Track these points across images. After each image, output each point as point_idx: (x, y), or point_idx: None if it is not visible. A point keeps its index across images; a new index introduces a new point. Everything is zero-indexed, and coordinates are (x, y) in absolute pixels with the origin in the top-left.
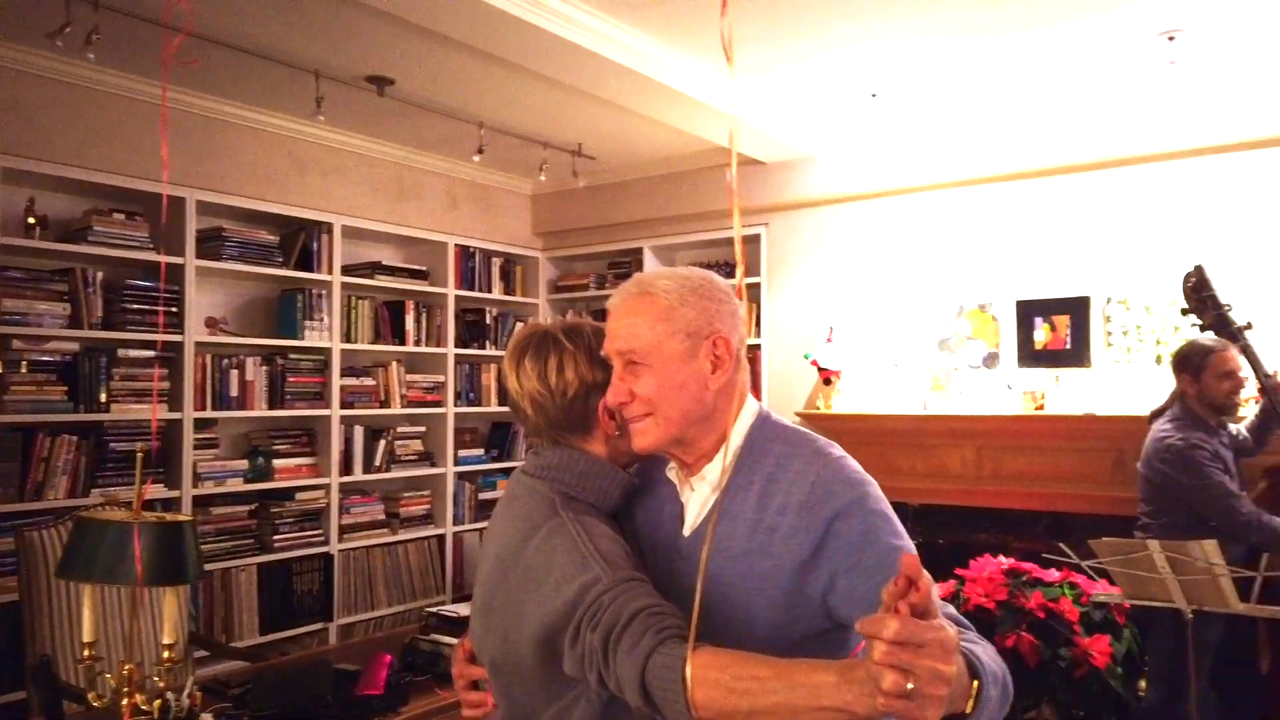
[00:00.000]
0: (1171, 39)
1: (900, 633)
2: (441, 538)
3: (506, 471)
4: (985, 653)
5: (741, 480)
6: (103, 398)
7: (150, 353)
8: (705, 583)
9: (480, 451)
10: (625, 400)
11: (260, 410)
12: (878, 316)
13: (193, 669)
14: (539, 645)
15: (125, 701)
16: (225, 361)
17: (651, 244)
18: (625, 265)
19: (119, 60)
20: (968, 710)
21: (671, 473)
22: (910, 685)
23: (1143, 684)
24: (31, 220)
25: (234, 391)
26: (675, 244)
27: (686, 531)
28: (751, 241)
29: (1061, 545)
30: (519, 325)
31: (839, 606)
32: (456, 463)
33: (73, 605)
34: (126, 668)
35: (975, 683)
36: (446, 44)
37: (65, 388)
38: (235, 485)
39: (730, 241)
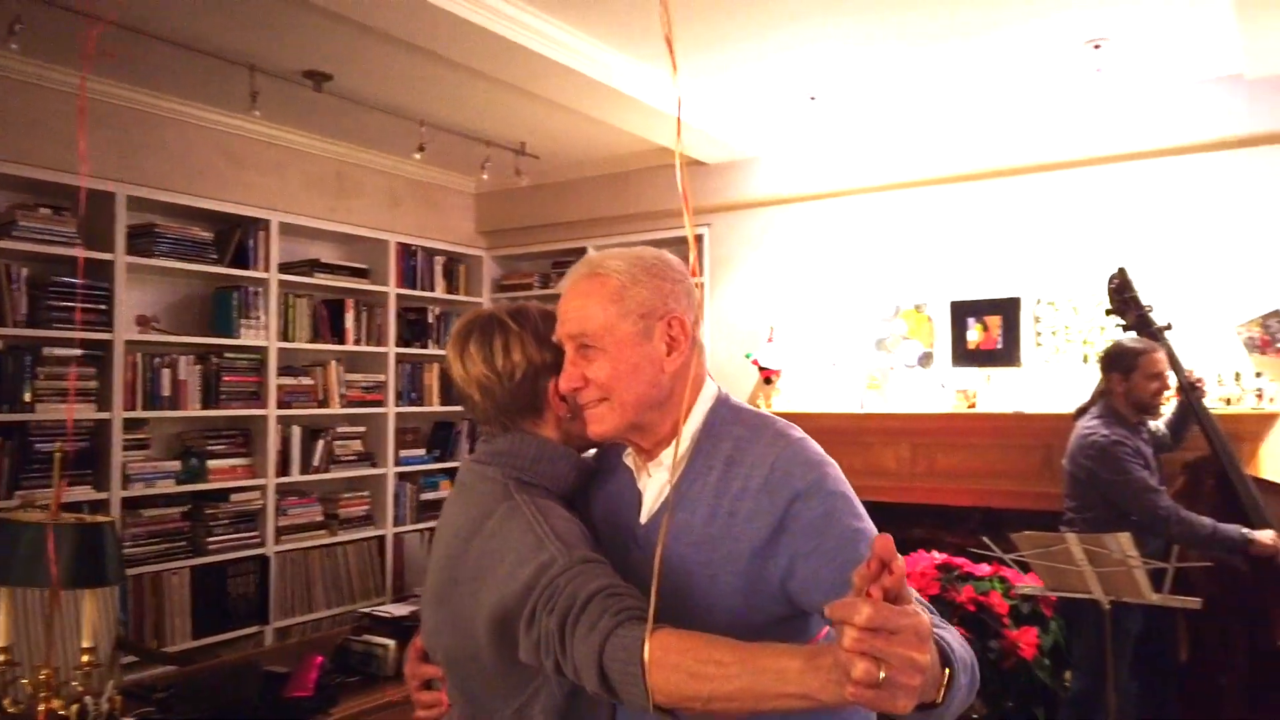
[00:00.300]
0: (1097, 47)
1: (873, 618)
2: (382, 539)
3: (449, 472)
4: (953, 638)
5: (700, 465)
6: (27, 397)
7: (77, 351)
8: (664, 570)
9: (422, 452)
10: (579, 385)
11: (194, 410)
12: (817, 316)
13: (119, 675)
14: (495, 632)
15: (41, 707)
16: (157, 360)
17: (595, 243)
18: (569, 264)
19: (45, 51)
20: (939, 700)
21: (628, 459)
22: (882, 674)
23: (1069, 675)
24: None
25: (166, 391)
26: (619, 243)
27: (644, 518)
28: (694, 242)
29: (986, 540)
30: None
31: (799, 593)
32: (398, 463)
33: None
34: (43, 673)
35: (947, 671)
36: (386, 40)
37: None
38: (167, 487)
39: (675, 241)
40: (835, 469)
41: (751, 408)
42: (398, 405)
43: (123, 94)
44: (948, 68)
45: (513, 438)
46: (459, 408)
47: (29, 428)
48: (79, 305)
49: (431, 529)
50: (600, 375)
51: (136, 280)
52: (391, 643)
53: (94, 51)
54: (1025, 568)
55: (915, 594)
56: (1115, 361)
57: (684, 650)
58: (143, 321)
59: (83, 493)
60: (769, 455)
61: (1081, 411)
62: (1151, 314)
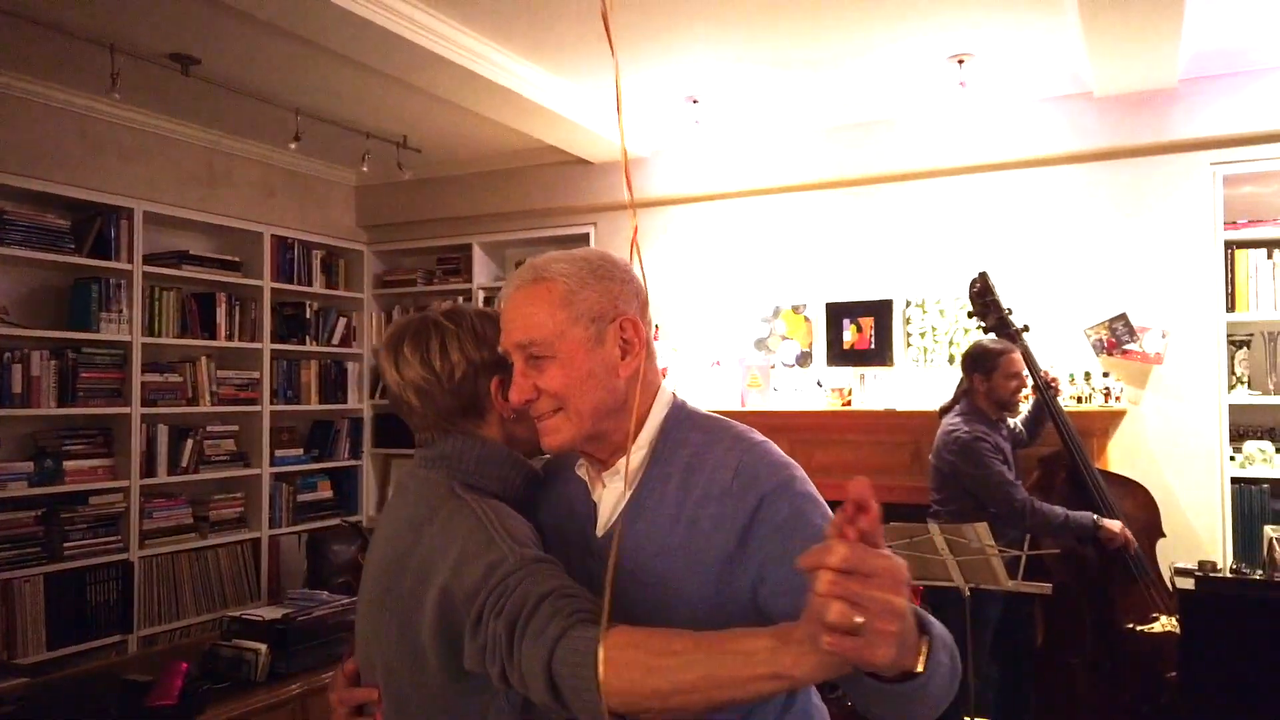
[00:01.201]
0: (961, 62)
1: (848, 558)
2: (256, 541)
3: (328, 472)
4: (930, 617)
5: (657, 473)
6: None
7: None
8: (626, 583)
9: (299, 451)
10: (530, 397)
11: (48, 409)
12: (701, 316)
13: None
14: (439, 635)
15: None
16: (7, 355)
17: (480, 240)
18: (454, 261)
19: None
20: (919, 668)
21: (581, 469)
22: (859, 619)
23: None
24: None
25: (17, 388)
26: (505, 240)
27: (600, 530)
28: (579, 241)
29: None
30: (342, 320)
31: (770, 601)
32: (273, 463)
33: None
34: None
35: (926, 640)
36: (257, 24)
37: None
38: (19, 489)
39: (560, 240)
40: (800, 471)
41: (708, 413)
42: (273, 403)
43: None
44: (821, 78)
45: (455, 440)
46: (339, 405)
47: None
48: None
49: (309, 530)
50: (553, 385)
51: None
52: (263, 647)
53: None
54: None
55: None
56: (976, 362)
57: (638, 644)
58: None
59: None
60: (731, 459)
61: (946, 409)
62: (1010, 316)
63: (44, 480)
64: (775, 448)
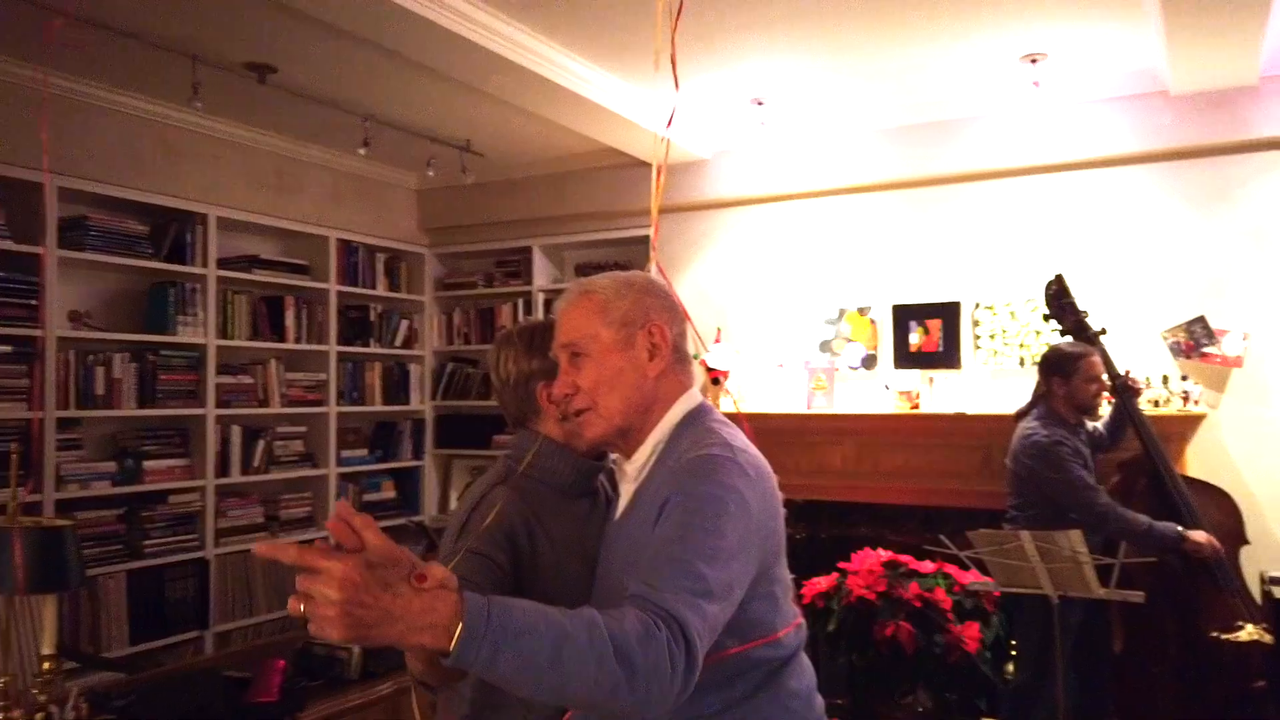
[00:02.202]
0: (1035, 62)
1: (297, 558)
2: (325, 540)
3: (392, 472)
4: (572, 621)
5: (658, 471)
6: None
7: (7, 348)
8: (617, 569)
9: (364, 452)
10: (569, 392)
11: (129, 410)
12: (764, 318)
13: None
14: None
15: (1, 716)
16: (90, 358)
17: (540, 242)
18: (514, 263)
19: None
20: (449, 648)
21: (615, 463)
22: (302, 607)
23: (1010, 667)
24: None
25: (100, 390)
26: (564, 243)
27: (616, 518)
28: (640, 243)
29: (942, 537)
30: (404, 323)
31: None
32: (339, 463)
33: None
34: (2, 680)
35: (461, 625)
36: (332, 33)
37: None
38: (102, 489)
39: (619, 241)
40: (708, 487)
41: (721, 422)
42: (339, 405)
43: (54, 81)
44: (889, 78)
45: (520, 434)
46: (402, 406)
47: None
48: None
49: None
50: (587, 381)
51: (69, 275)
52: (355, 647)
53: (54, 43)
54: (965, 565)
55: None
56: (1055, 365)
57: None
58: (75, 317)
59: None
60: (688, 455)
61: (1022, 413)
62: (1087, 319)
63: (125, 480)
64: (720, 464)
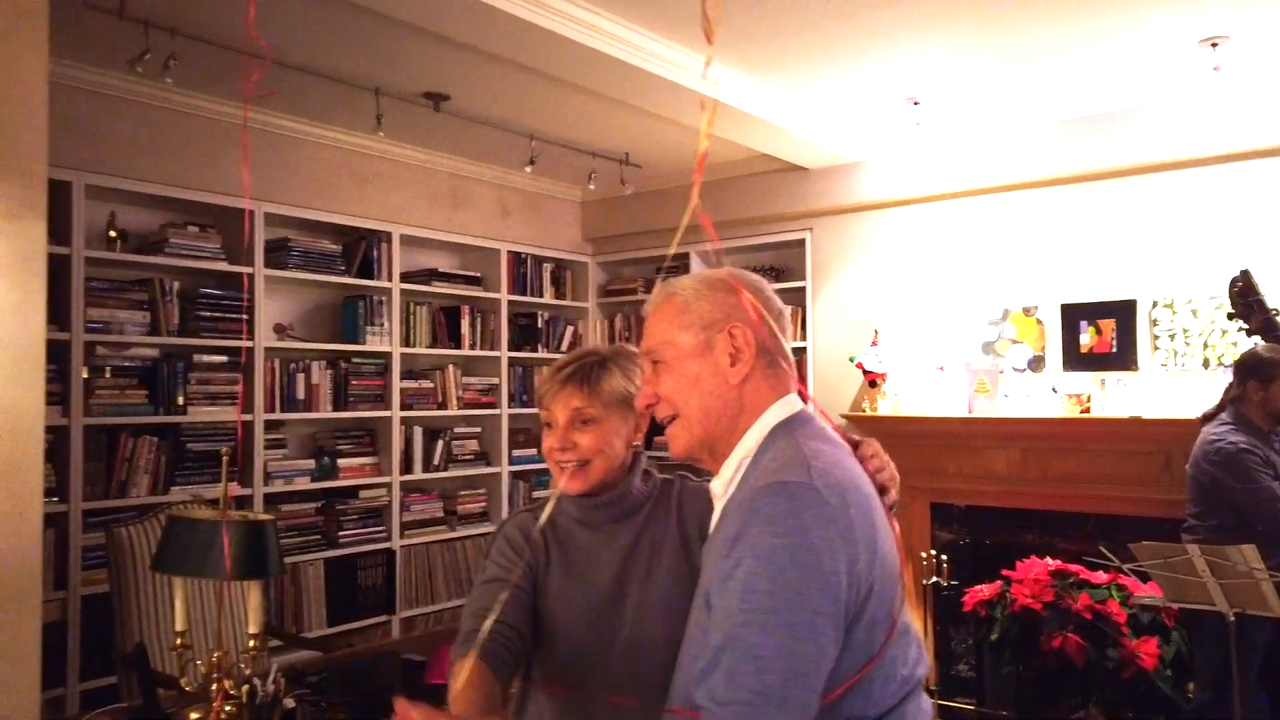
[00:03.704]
0: (1215, 45)
1: None
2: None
3: None
4: None
5: (738, 490)
6: (180, 400)
7: (223, 358)
8: (703, 592)
9: (533, 451)
10: (651, 401)
11: (325, 412)
12: (922, 319)
13: (268, 657)
14: None
15: (215, 686)
16: (292, 365)
17: (698, 248)
18: (673, 269)
19: (192, 81)
20: None
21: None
22: None
23: (1191, 685)
24: (113, 234)
25: (300, 394)
26: (721, 249)
27: (709, 540)
28: (796, 246)
29: (1103, 549)
30: (569, 328)
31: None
32: (510, 462)
33: (159, 598)
34: (215, 655)
35: None
36: (499, 62)
37: (145, 391)
38: (303, 484)
39: (773, 246)
40: (777, 540)
41: (814, 435)
42: (510, 407)
43: (261, 118)
44: (1055, 67)
45: None
46: None
47: (182, 429)
48: (220, 316)
49: None
50: (666, 389)
51: (273, 291)
52: None
53: (254, 90)
54: (1145, 577)
55: None
56: (1254, 369)
57: (457, 671)
58: (279, 329)
59: (230, 489)
60: (759, 485)
61: (1208, 417)
62: (1278, 318)
63: (322, 476)
64: (795, 498)
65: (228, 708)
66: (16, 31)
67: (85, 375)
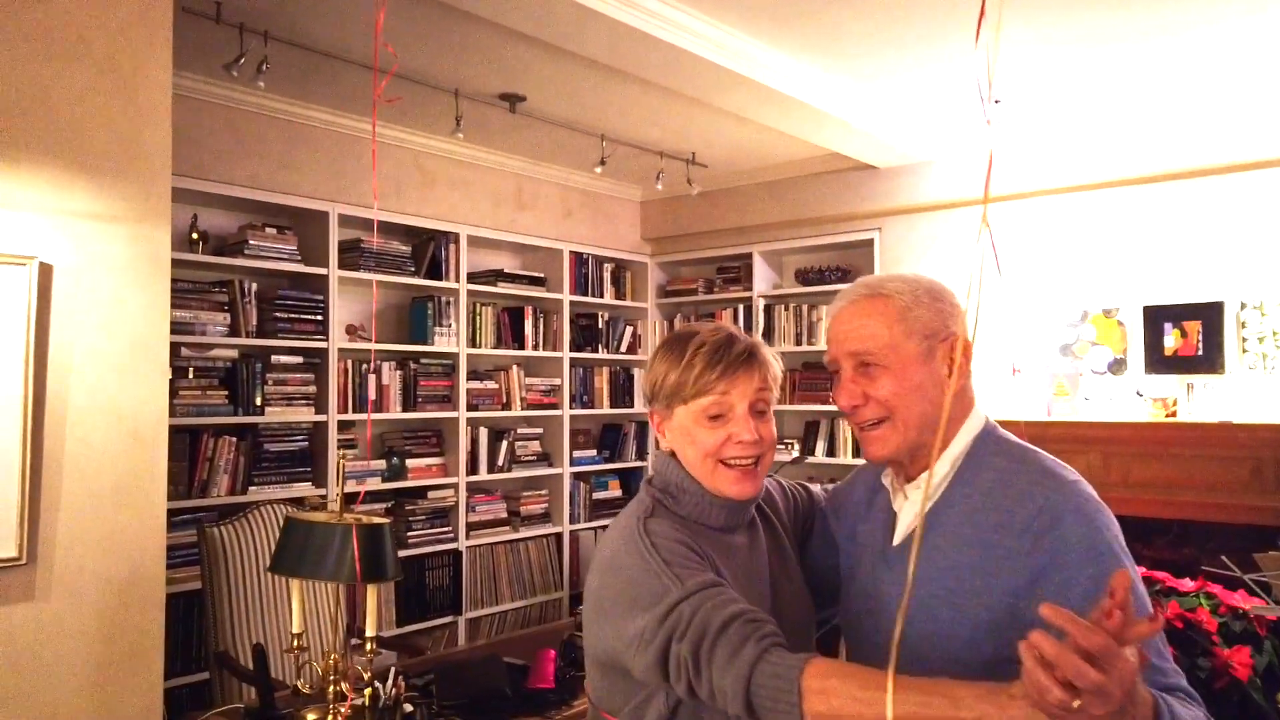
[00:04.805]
0: None
1: (1091, 646)
2: (559, 536)
3: (618, 472)
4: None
5: (958, 493)
6: (258, 401)
7: (298, 359)
8: (916, 594)
9: (593, 453)
10: (859, 403)
11: (395, 413)
12: (998, 321)
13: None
14: (601, 666)
15: (332, 689)
16: (364, 366)
17: (761, 248)
18: (734, 270)
19: (280, 86)
20: None
21: (886, 478)
22: (1076, 704)
23: None
24: (194, 235)
25: (372, 395)
26: (784, 248)
27: (896, 540)
28: (865, 245)
29: (1224, 558)
30: (629, 329)
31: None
32: (572, 463)
33: (251, 598)
34: (333, 657)
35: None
36: (577, 62)
37: (226, 392)
38: (374, 484)
39: (839, 246)
40: (1106, 517)
41: (1018, 440)
42: (571, 408)
43: (333, 120)
44: (1145, 64)
45: (658, 456)
46: (627, 410)
47: (259, 429)
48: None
49: (602, 527)
50: (883, 393)
51: (345, 292)
52: None
53: (380, 99)
54: (1267, 588)
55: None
56: None
57: (844, 674)
58: (351, 330)
59: (304, 489)
60: (1038, 495)
61: None
62: None
63: (393, 476)
64: (1085, 489)
65: (343, 710)
66: (142, 38)
67: (170, 376)
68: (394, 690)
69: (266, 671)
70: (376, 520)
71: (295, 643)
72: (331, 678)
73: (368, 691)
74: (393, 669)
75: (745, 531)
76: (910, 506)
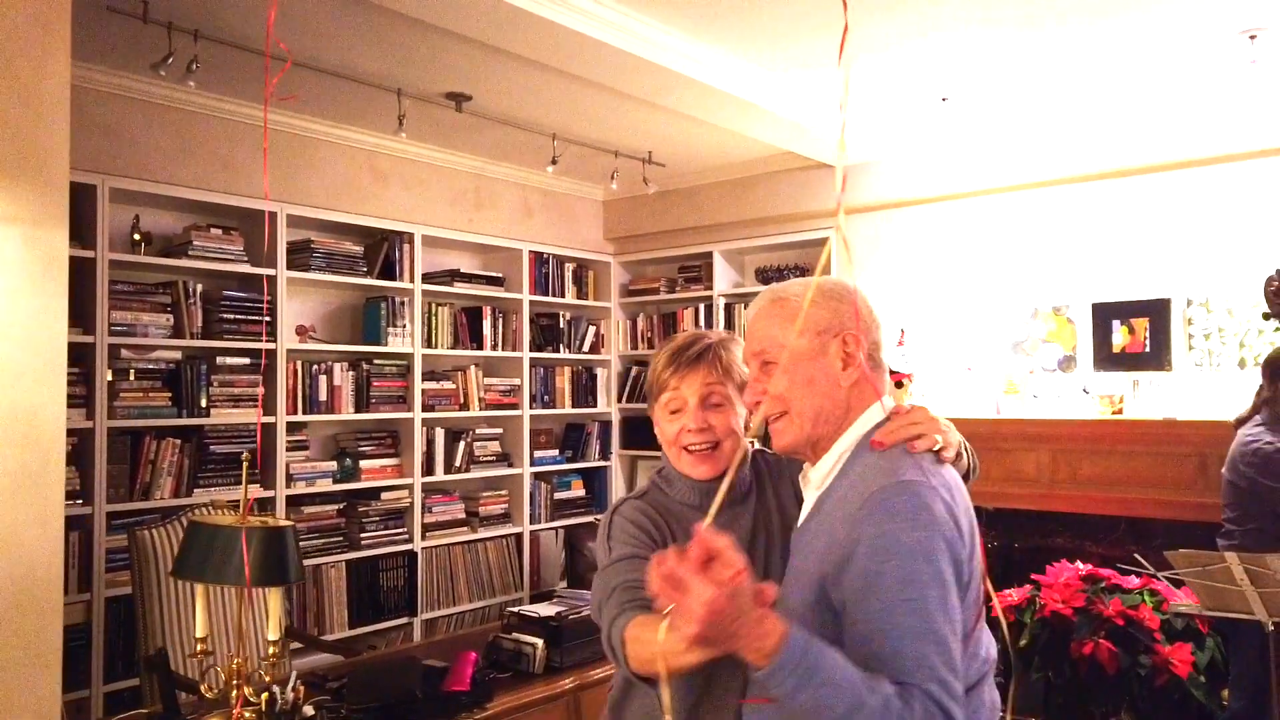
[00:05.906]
0: (1253, 38)
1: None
2: (519, 536)
3: (580, 472)
4: (871, 691)
5: (841, 483)
6: (203, 403)
7: (245, 360)
8: (794, 576)
9: (555, 452)
10: (760, 399)
11: (347, 414)
12: (950, 319)
13: (289, 660)
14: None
15: (235, 693)
16: (315, 367)
17: (721, 247)
18: (696, 268)
19: (214, 84)
20: (762, 663)
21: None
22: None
23: (1226, 693)
24: (137, 237)
25: (323, 396)
26: (744, 247)
27: (798, 524)
28: (819, 245)
29: (1137, 556)
30: (591, 329)
31: (846, 640)
32: (532, 463)
33: (181, 601)
34: (235, 662)
35: (779, 655)
36: (521, 62)
37: (169, 394)
38: (325, 486)
39: (799, 245)
40: (918, 533)
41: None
42: (531, 408)
43: (283, 120)
44: (1087, 61)
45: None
46: (589, 409)
47: (205, 431)
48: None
49: (565, 527)
50: (778, 388)
51: (295, 292)
52: (539, 641)
53: (275, 94)
54: (1177, 583)
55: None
56: None
57: (641, 625)
58: (301, 331)
59: (252, 491)
60: (871, 488)
61: (1243, 420)
62: None
63: (345, 478)
64: (920, 496)
65: (247, 714)
66: (38, 37)
67: (109, 378)
68: (292, 695)
69: (168, 675)
70: (279, 523)
71: (200, 647)
72: (234, 682)
73: (264, 696)
74: (294, 674)
75: (729, 509)
76: (811, 492)
